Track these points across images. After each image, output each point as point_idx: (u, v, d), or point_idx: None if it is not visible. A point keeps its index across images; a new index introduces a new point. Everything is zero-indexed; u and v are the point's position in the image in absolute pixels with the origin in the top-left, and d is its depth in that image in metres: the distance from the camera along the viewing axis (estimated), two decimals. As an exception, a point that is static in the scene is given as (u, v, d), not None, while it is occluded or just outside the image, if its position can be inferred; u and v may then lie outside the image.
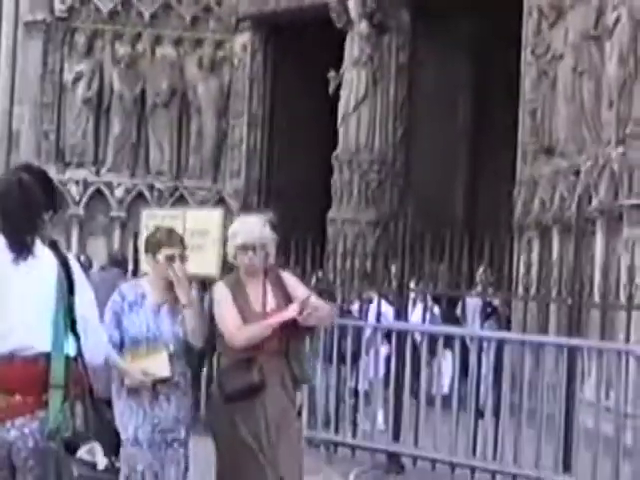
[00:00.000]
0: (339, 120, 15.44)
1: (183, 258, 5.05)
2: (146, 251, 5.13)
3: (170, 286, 5.00)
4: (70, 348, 3.71)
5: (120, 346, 4.95)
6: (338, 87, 15.36)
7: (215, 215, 9.57)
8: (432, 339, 7.87)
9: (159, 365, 4.92)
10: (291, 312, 4.81)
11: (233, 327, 4.87)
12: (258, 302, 4.93)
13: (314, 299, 4.91)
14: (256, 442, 4.80)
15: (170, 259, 4.99)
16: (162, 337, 4.95)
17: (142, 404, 4.96)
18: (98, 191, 17.49)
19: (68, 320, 3.73)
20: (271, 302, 4.94)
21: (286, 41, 17.07)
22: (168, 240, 5.06)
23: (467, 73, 16.27)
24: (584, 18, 11.09)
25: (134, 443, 4.93)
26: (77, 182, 17.44)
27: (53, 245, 3.81)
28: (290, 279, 5.10)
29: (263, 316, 4.87)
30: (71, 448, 3.63)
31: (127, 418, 4.94)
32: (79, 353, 3.72)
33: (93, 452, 3.66)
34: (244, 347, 4.83)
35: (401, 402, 7.68)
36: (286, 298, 4.92)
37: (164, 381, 4.93)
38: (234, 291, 4.95)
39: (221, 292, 4.99)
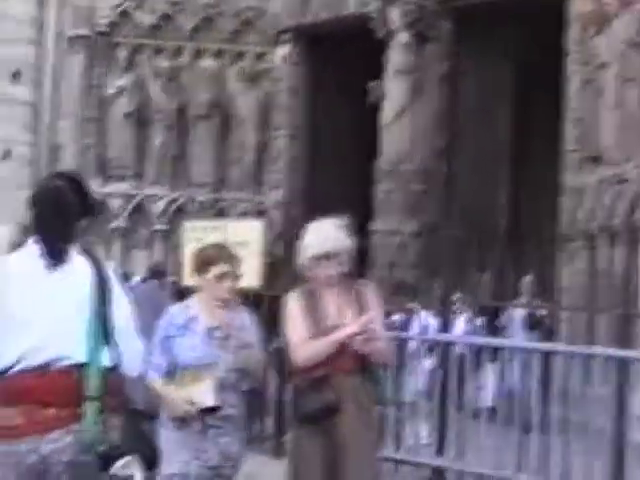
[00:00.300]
0: (381, 130, 15.34)
1: (235, 276, 4.63)
2: (195, 269, 4.70)
3: (223, 307, 4.60)
4: (106, 359, 3.63)
5: (170, 373, 4.56)
6: (379, 97, 15.27)
7: (256, 226, 9.54)
8: (476, 351, 7.73)
9: (204, 393, 4.51)
10: (353, 328, 4.44)
11: (296, 343, 4.53)
12: (335, 315, 4.57)
13: (378, 326, 4.54)
14: (328, 467, 4.49)
15: (221, 277, 4.58)
16: (214, 363, 4.50)
17: (190, 437, 4.55)
18: (140, 204, 17.53)
19: (103, 330, 3.65)
20: (348, 315, 4.55)
21: (326, 52, 17.01)
22: (218, 257, 4.64)
23: (510, 82, 16.10)
24: (628, 25, 10.95)
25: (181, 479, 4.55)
26: (119, 195, 17.49)
27: (88, 253, 3.73)
28: (369, 291, 4.72)
29: (338, 330, 4.50)
30: (106, 462, 3.53)
31: (174, 451, 4.50)
32: (115, 364, 3.64)
33: (129, 467, 3.56)
34: (308, 365, 4.49)
35: (445, 415, 7.54)
36: (365, 311, 4.54)
37: (211, 411, 4.51)
38: (307, 304, 4.60)
39: (292, 305, 4.62)
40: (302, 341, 4.53)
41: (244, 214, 16.76)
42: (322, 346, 4.49)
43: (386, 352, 4.74)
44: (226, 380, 4.51)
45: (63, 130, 17.78)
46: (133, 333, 3.72)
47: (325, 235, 4.61)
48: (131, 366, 3.70)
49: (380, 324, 4.62)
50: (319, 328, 4.52)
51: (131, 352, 3.68)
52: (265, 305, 8.31)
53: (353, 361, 4.51)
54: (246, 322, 4.69)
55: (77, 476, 3.50)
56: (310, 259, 4.60)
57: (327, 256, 4.56)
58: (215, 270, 4.60)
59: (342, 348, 4.48)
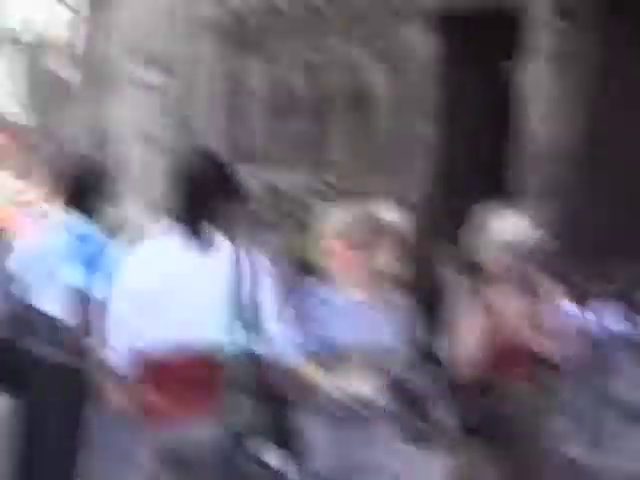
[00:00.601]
0: (520, 112, 14.99)
1: (385, 250, 4.41)
2: (342, 242, 4.46)
3: (369, 281, 4.31)
4: (248, 342, 3.57)
5: (313, 355, 4.18)
6: (517, 78, 14.94)
7: (394, 213, 9.34)
8: (628, 345, 7.37)
9: (357, 381, 4.10)
10: (512, 323, 4.14)
11: (464, 341, 4.24)
12: (508, 312, 4.27)
13: (554, 323, 4.22)
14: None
15: (369, 250, 4.33)
16: (362, 345, 4.17)
17: (334, 431, 4.11)
18: (275, 189, 17.62)
19: (246, 313, 3.59)
20: (522, 313, 4.25)
21: (464, 30, 16.71)
22: (361, 226, 4.41)
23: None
24: None
25: None
26: (255, 179, 17.60)
27: (230, 235, 3.68)
28: (545, 286, 4.42)
29: (512, 329, 4.20)
30: (244, 445, 3.46)
31: (313, 447, 3.99)
32: (257, 348, 3.57)
33: (266, 450, 3.48)
34: (474, 365, 4.19)
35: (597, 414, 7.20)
36: (539, 307, 4.24)
37: (361, 403, 4.13)
38: (478, 298, 4.32)
39: (461, 298, 4.33)
40: (470, 338, 4.19)
41: (382, 200, 16.62)
42: (483, 344, 4.16)
43: (560, 352, 4.34)
44: (377, 366, 4.16)
45: (199, 115, 17.96)
46: (274, 316, 3.66)
47: (517, 226, 4.38)
48: (273, 349, 3.64)
49: (557, 321, 4.29)
50: (491, 325, 4.21)
51: (274, 335, 3.63)
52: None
53: (526, 362, 4.17)
54: (395, 303, 4.41)
55: (220, 460, 3.44)
56: (497, 247, 4.34)
57: (512, 247, 4.31)
58: (364, 241, 4.39)
59: (512, 348, 4.15)
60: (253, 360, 3.52)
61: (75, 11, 24.74)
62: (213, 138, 17.64)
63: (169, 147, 17.91)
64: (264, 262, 3.80)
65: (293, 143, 17.62)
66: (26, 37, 43.55)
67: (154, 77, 18.47)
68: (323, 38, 17.67)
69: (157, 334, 3.59)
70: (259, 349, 3.55)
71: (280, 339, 3.68)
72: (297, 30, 17.72)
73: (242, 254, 3.64)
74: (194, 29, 17.91)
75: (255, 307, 3.56)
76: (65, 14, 31.65)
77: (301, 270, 8.78)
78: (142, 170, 18.08)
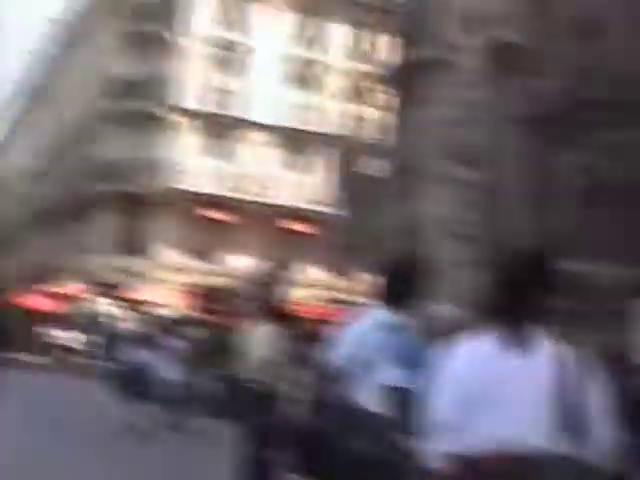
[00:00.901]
0: None
1: None
2: None
3: None
4: (570, 447, 3.39)
5: None
6: None
7: None
8: None
9: None
10: None
11: None
12: None
13: None
14: None
15: None
16: None
17: None
18: (588, 282, 17.09)
19: (568, 415, 3.42)
20: None
21: None
22: None
23: None
24: None
25: None
26: (570, 273, 17.18)
27: (549, 333, 3.55)
28: None
29: None
30: None
31: None
32: (579, 453, 3.38)
33: None
34: None
35: None
36: None
37: None
38: None
39: None
40: None
41: None
42: None
43: None
44: None
45: (507, 208, 17.87)
46: (608, 424, 3.44)
47: None
48: (601, 456, 3.42)
49: None
50: None
51: (602, 441, 3.41)
52: None
53: None
54: None
55: None
56: None
57: None
58: None
59: None
60: (577, 466, 3.33)
61: (385, 109, 25.61)
62: (522, 231, 17.42)
63: (477, 241, 17.88)
64: (589, 362, 3.62)
65: (607, 234, 17.07)
66: (339, 135, 45.50)
67: (461, 172, 18.61)
68: (634, 126, 17.17)
69: (477, 435, 3.48)
70: (584, 455, 3.35)
71: (609, 446, 3.45)
72: (604, 118, 17.34)
73: (565, 353, 3.48)
74: (501, 123, 17.92)
75: (581, 410, 3.37)
76: (376, 113, 32.85)
77: (630, 372, 8.32)
78: (451, 264, 18.16)
